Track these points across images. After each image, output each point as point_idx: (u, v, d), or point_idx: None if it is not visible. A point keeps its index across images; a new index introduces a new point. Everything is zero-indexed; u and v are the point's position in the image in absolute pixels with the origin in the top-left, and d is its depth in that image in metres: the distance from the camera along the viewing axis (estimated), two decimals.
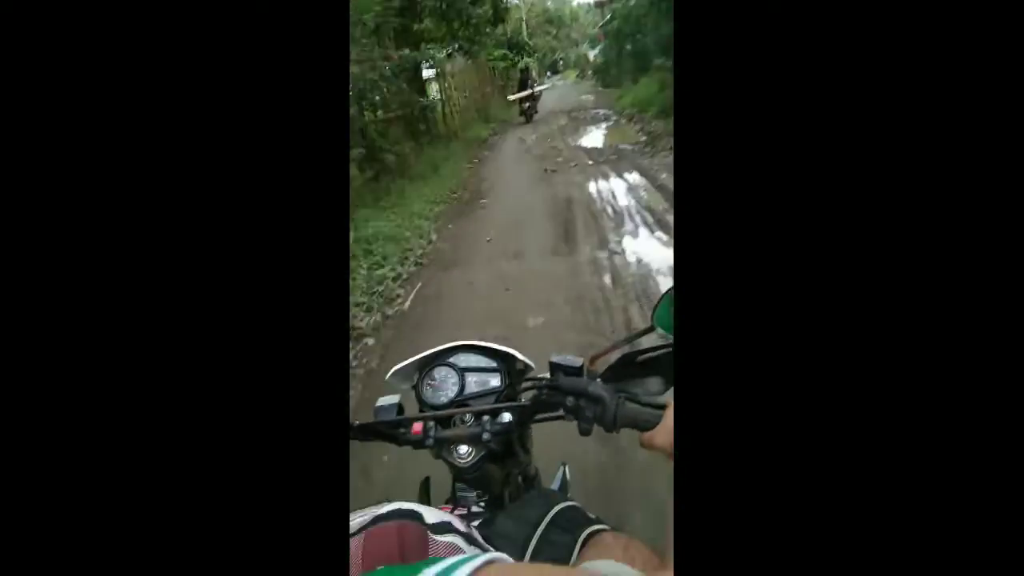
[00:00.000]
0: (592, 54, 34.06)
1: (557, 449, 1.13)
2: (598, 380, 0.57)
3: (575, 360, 0.57)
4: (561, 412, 0.58)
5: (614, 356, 0.61)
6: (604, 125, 10.42)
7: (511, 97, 11.51)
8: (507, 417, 0.60)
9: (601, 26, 22.87)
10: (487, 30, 14.46)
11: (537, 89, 11.39)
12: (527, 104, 10.87)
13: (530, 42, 17.11)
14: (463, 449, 0.63)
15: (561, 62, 38.42)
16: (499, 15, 14.49)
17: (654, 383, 0.58)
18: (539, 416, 0.62)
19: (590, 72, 29.97)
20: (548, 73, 31.81)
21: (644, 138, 7.87)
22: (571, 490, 1.06)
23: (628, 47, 15.46)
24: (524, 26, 19.74)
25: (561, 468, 1.08)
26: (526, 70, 12.16)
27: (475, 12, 11.71)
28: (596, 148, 7.79)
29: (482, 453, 0.63)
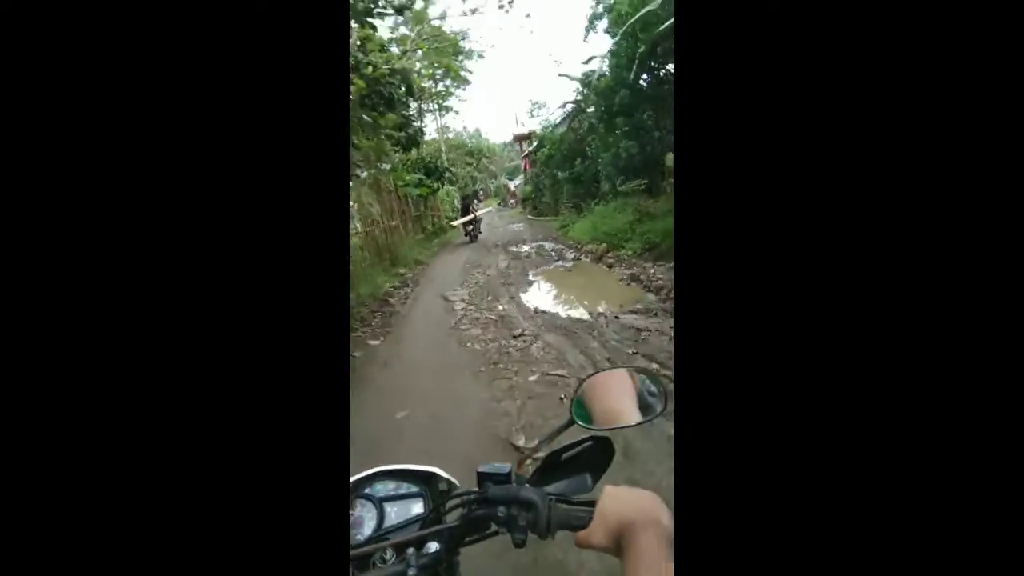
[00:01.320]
0: (514, 184, 34.38)
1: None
2: (527, 485, 0.55)
3: (503, 467, 0.55)
4: (491, 528, 0.55)
5: (539, 457, 0.59)
6: (561, 265, 7.38)
7: (455, 223, 12.21)
8: (434, 547, 0.55)
9: (526, 155, 21.92)
10: (396, 150, 11.98)
11: (480, 212, 12.52)
12: (471, 227, 11.77)
13: (452, 168, 14.60)
14: None
15: (481, 191, 38.35)
16: (415, 138, 12.13)
17: (581, 480, 0.57)
18: (469, 537, 0.57)
19: (512, 202, 29.39)
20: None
21: (652, 297, 4.69)
22: None
23: (563, 174, 13.78)
24: (443, 152, 17.83)
25: None
26: (467, 197, 13.12)
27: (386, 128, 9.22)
28: (583, 321, 4.31)
29: None
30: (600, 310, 4.48)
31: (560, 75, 12.13)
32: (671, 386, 0.50)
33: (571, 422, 0.60)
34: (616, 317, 4.14)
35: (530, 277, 6.75)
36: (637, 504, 0.46)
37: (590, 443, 0.57)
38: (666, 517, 0.44)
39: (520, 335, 3.97)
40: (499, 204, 33.72)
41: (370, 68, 8.34)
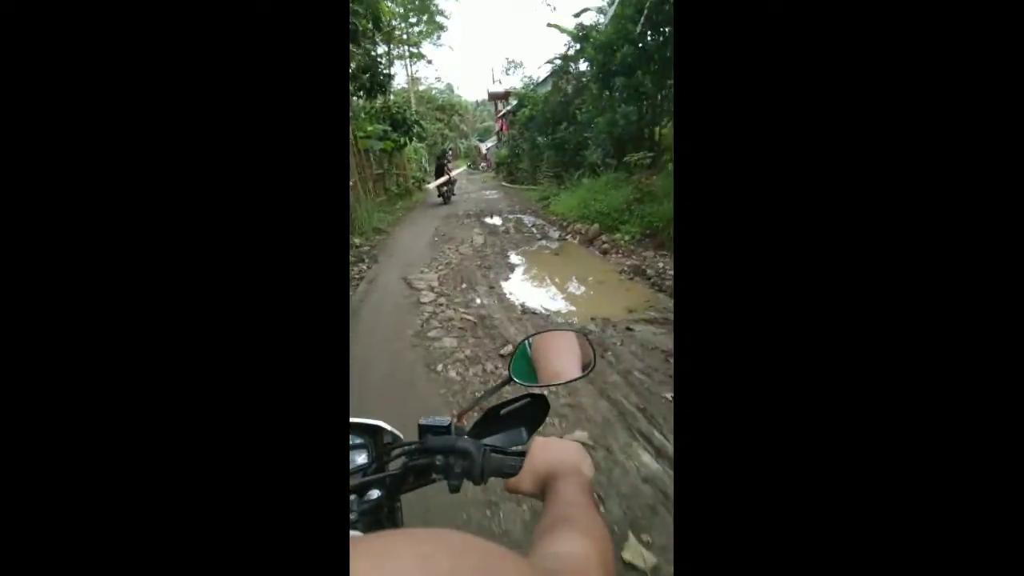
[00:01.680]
0: (486, 146, 32.63)
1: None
2: (465, 436, 0.59)
3: (443, 420, 0.59)
4: (431, 477, 0.58)
5: (478, 411, 0.62)
6: (546, 246, 6.39)
7: (431, 185, 11.85)
8: (375, 494, 0.57)
9: (502, 115, 20.38)
10: (358, 95, 10.40)
11: (454, 173, 12.09)
12: (445, 188, 11.57)
13: (421, 123, 13.10)
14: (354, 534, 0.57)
15: (451, 151, 36.66)
16: (380, 82, 10.57)
17: (517, 434, 0.61)
18: (409, 485, 0.60)
19: (483, 165, 27.86)
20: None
21: (666, 300, 3.79)
22: None
23: (544, 139, 12.60)
24: (412, 104, 16.12)
25: None
26: (443, 155, 12.60)
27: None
28: (585, 332, 3.42)
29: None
30: (604, 315, 3.55)
31: (549, 25, 10.63)
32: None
33: (509, 379, 0.64)
34: (628, 329, 3.22)
35: (511, 259, 5.73)
36: (562, 454, 0.52)
37: (528, 400, 0.61)
38: (587, 466, 0.52)
39: (511, 354, 2.99)
40: (469, 166, 32.12)
41: None
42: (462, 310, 3.85)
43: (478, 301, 4.10)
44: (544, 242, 6.59)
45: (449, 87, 41.09)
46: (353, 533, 0.42)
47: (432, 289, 4.49)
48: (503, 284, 4.66)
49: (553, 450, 0.52)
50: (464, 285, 4.60)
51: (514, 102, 17.62)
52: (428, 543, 0.25)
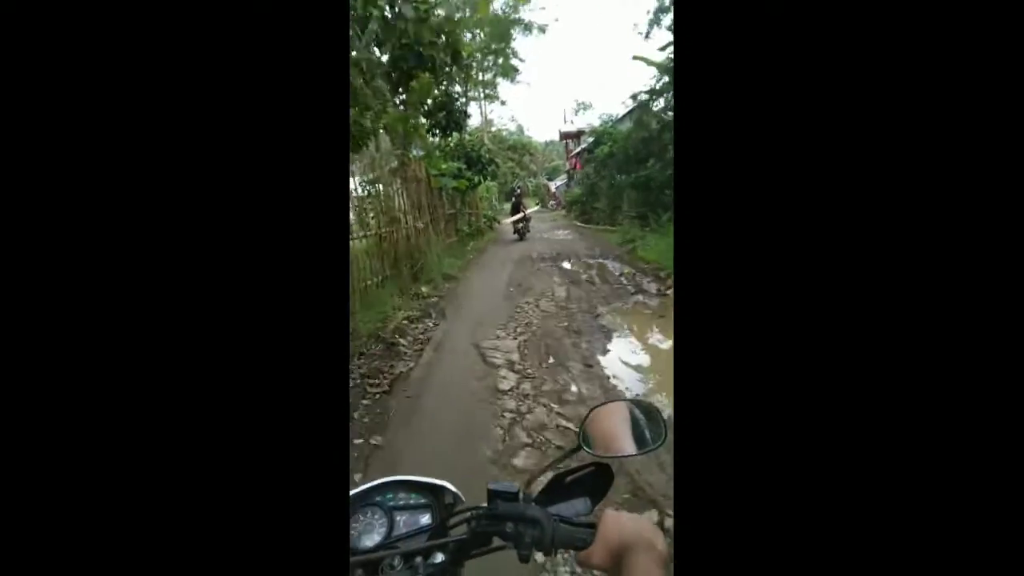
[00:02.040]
0: (555, 184, 32.28)
1: None
2: (532, 503, 0.57)
3: (511, 486, 0.57)
4: (495, 543, 0.57)
5: (545, 479, 0.61)
6: (642, 301, 5.27)
7: (506, 221, 11.91)
8: (439, 557, 0.57)
9: (575, 154, 19.73)
10: (433, 132, 10.04)
11: (529, 212, 12.17)
12: (521, 224, 11.58)
13: (496, 160, 12.72)
14: None
15: (519, 190, 36.91)
16: (456, 120, 10.20)
17: (582, 503, 0.59)
18: (475, 551, 0.58)
19: (552, 204, 27.30)
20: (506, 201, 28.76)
21: None
22: None
23: (625, 177, 11.65)
24: (486, 142, 15.85)
25: None
26: (516, 192, 13.00)
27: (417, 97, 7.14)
28: None
29: None
30: None
31: (635, 58, 9.84)
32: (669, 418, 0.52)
33: (578, 447, 0.62)
34: None
35: (604, 319, 4.67)
36: (636, 528, 0.50)
37: (592, 468, 0.60)
38: (662, 543, 0.48)
39: (637, 489, 1.91)
40: (538, 205, 31.79)
41: (402, 22, 6.45)
42: (556, 408, 2.82)
43: (573, 389, 3.07)
44: (640, 297, 5.48)
45: (520, 128, 41.50)
46: None
47: (512, 367, 3.51)
48: (601, 360, 3.60)
49: (627, 524, 0.51)
50: (551, 359, 3.60)
51: (589, 140, 16.92)
52: None
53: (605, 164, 12.89)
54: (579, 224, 14.67)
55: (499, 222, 15.02)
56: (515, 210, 12.17)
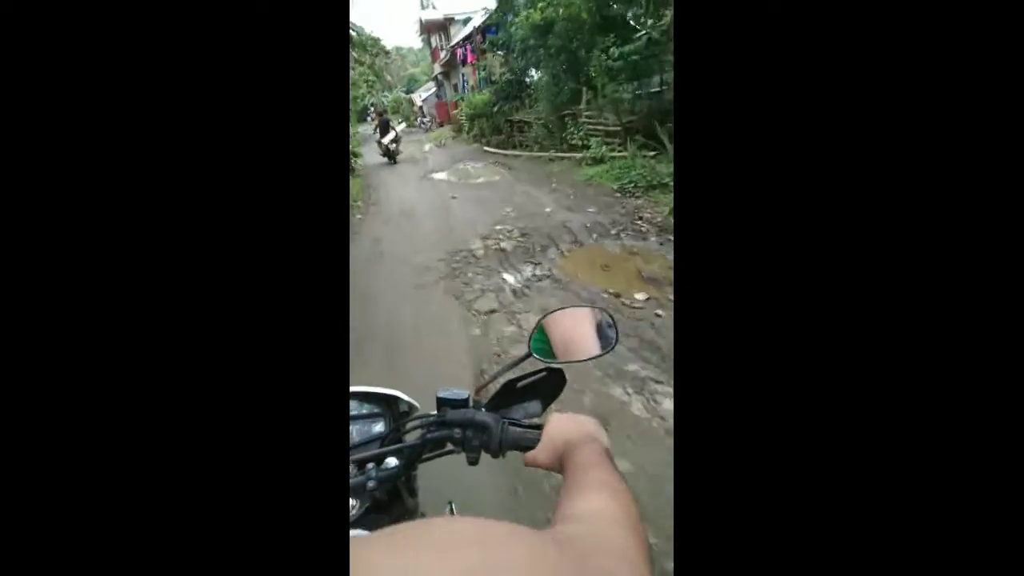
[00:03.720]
0: (420, 96, 25.65)
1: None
2: (483, 409, 0.58)
3: (461, 392, 0.59)
4: (447, 448, 0.58)
5: (496, 385, 0.60)
6: None
7: (382, 141, 10.10)
8: (393, 462, 0.59)
9: (462, 42, 13.83)
10: None
11: (400, 128, 10.94)
12: (394, 145, 10.00)
13: None
14: (351, 503, 0.59)
15: (372, 108, 29.53)
16: None
17: (533, 406, 0.59)
18: (426, 455, 0.60)
19: (422, 121, 21.23)
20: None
21: None
22: None
23: (581, 55, 6.87)
24: None
25: (448, 506, 0.96)
26: (381, 111, 11.74)
27: None
28: None
29: (367, 504, 0.61)
30: None
31: None
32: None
33: (528, 354, 0.62)
34: None
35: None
36: (578, 426, 0.52)
37: (544, 374, 0.59)
38: (603, 436, 0.51)
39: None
40: (402, 124, 25.23)
41: None
42: None
43: None
44: None
45: (360, 28, 32.03)
46: (354, 532, 0.42)
47: None
48: None
49: (569, 422, 0.53)
50: None
51: (479, 18, 11.34)
52: (443, 533, 0.26)
53: (532, 46, 7.82)
54: (493, 151, 9.58)
55: (358, 157, 9.39)
56: (384, 130, 10.22)
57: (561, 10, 6.71)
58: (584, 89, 6.78)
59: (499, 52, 9.60)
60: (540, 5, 7.21)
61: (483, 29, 11.17)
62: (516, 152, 8.68)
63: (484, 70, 10.65)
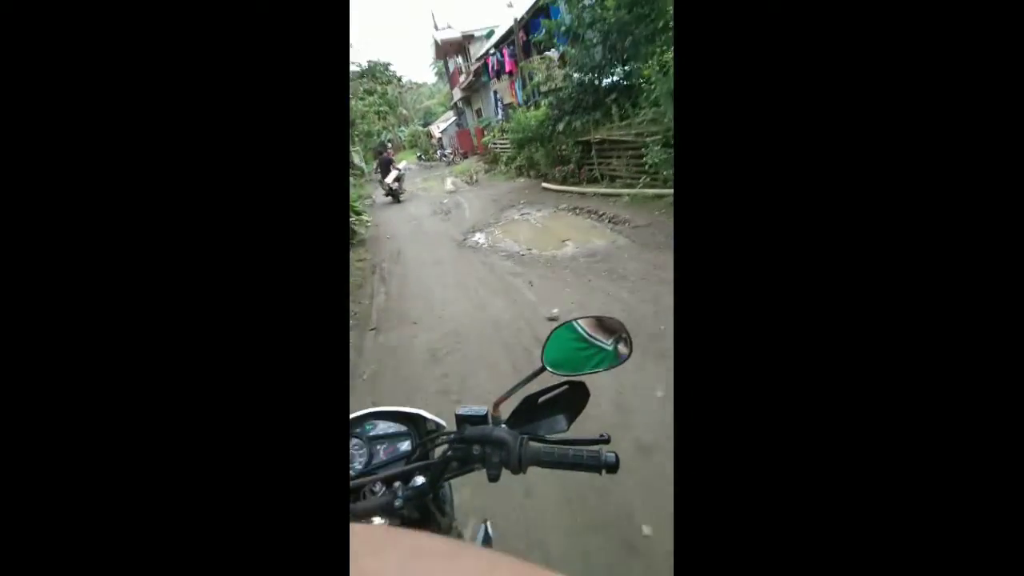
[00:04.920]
0: (439, 128, 23.18)
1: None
2: (503, 425, 0.57)
3: (479, 409, 0.58)
4: (472, 465, 0.57)
5: (516, 400, 0.59)
6: None
7: (385, 180, 9.37)
8: (419, 480, 0.56)
9: (493, 51, 10.92)
10: None
11: (403, 167, 10.50)
12: (396, 184, 9.29)
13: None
14: (376, 522, 0.57)
15: (390, 143, 27.22)
16: None
17: (558, 421, 0.58)
18: (450, 473, 0.59)
19: (441, 153, 18.62)
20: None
21: None
22: (495, 546, 0.94)
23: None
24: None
25: (483, 526, 0.94)
26: (384, 147, 11.87)
27: None
28: None
29: (397, 523, 0.58)
30: None
31: None
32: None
33: (542, 369, 0.60)
34: None
35: None
36: None
37: (566, 387, 0.58)
38: None
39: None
40: (420, 158, 22.77)
41: None
42: None
43: None
44: None
45: (374, 65, 29.87)
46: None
47: None
48: None
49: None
50: None
51: (490, 40, 8.48)
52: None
53: (626, 22, 4.76)
54: (559, 188, 6.45)
55: (365, 220, 6.51)
56: (385, 170, 9.64)
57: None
58: None
59: (562, 44, 6.56)
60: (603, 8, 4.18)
61: (526, 23, 8.28)
62: (605, 189, 5.52)
63: (532, 79, 7.68)
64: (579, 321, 0.61)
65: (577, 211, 5.06)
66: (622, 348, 0.60)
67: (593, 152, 5.97)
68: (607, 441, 0.54)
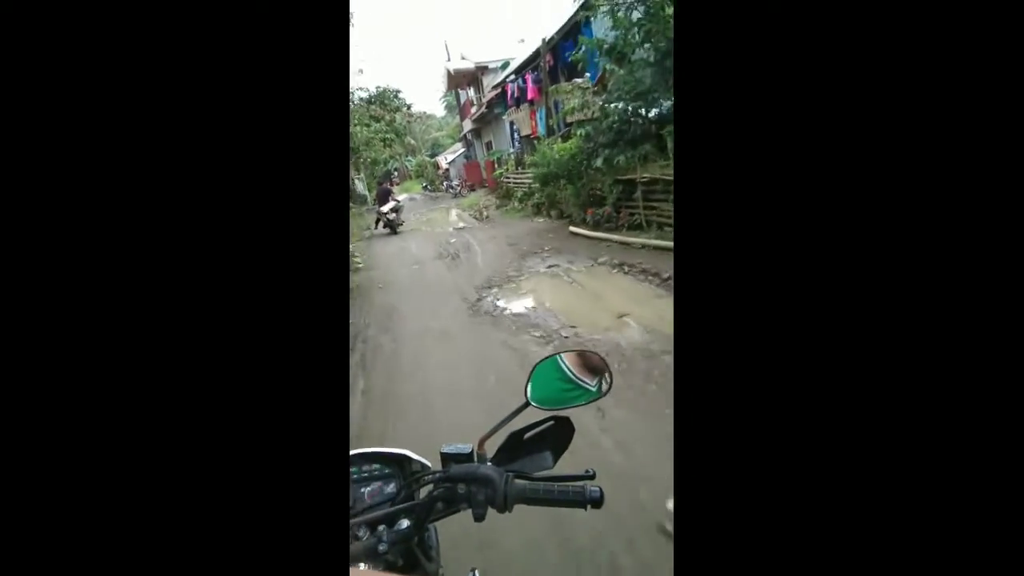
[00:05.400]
0: (446, 159, 22.54)
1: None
2: (488, 463, 0.57)
3: (464, 447, 0.58)
4: (458, 505, 0.56)
5: (501, 437, 0.58)
6: None
7: (382, 210, 9.01)
8: (404, 523, 0.56)
9: (512, 77, 10.03)
10: None
11: (402, 198, 10.56)
12: (393, 215, 8.89)
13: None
14: (361, 568, 0.55)
15: (396, 172, 26.54)
16: None
17: (544, 459, 0.57)
18: (436, 514, 0.57)
19: (448, 185, 17.77)
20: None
21: None
22: None
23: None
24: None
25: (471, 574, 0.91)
26: (389, 176, 11.56)
27: None
28: None
29: (381, 568, 0.57)
30: None
31: None
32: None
33: (526, 404, 0.60)
34: None
35: None
36: None
37: (551, 422, 0.58)
38: None
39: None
40: (425, 188, 21.97)
41: None
42: None
43: None
44: None
45: (384, 91, 29.49)
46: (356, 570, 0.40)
47: None
48: None
49: None
50: None
51: (505, 71, 7.63)
52: None
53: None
54: (592, 234, 5.37)
55: (356, 262, 5.43)
56: (383, 199, 9.22)
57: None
58: None
59: (602, 65, 5.58)
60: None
61: (554, 45, 7.41)
62: (654, 240, 4.37)
63: (559, 108, 6.71)
64: (563, 356, 0.63)
65: (625, 269, 3.93)
66: (604, 386, 0.61)
67: (638, 193, 4.89)
68: (592, 477, 0.53)
